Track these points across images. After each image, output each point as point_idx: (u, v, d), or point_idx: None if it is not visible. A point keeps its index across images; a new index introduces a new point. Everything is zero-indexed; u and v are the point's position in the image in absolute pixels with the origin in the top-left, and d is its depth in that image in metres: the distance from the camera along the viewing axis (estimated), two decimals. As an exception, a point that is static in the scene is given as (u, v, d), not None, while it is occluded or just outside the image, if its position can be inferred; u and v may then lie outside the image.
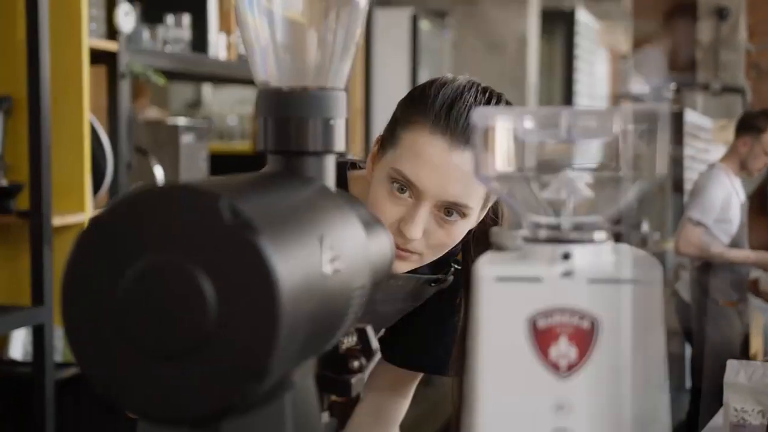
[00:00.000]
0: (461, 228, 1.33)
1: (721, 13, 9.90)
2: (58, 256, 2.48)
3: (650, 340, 0.68)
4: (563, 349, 0.68)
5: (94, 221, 0.64)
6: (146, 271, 0.62)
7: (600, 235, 0.71)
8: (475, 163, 0.71)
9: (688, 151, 7.24)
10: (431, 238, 1.32)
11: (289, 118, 0.80)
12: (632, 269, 0.69)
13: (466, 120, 1.28)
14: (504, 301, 0.69)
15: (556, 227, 0.72)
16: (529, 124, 0.71)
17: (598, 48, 8.92)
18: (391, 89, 5.40)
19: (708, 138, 7.98)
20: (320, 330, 0.70)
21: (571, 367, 0.68)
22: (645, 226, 7.02)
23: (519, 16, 6.04)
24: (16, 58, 2.51)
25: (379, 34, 5.26)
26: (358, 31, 0.84)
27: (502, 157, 0.72)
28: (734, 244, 4.48)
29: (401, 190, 1.30)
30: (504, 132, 0.71)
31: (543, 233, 0.72)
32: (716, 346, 4.33)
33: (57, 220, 2.48)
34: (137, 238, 0.63)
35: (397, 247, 1.30)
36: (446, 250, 1.36)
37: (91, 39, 2.64)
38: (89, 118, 2.60)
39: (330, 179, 0.82)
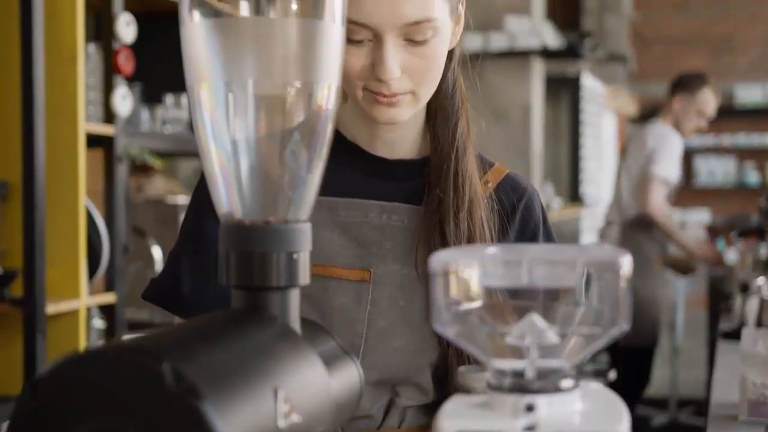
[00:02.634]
0: (438, 46, 1.21)
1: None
2: (52, 345, 2.46)
3: (618, 498, 0.65)
4: None
5: (34, 384, 0.61)
6: (87, 438, 0.60)
7: (567, 383, 0.69)
8: (433, 308, 0.69)
9: (582, 116, 7.30)
10: (413, 70, 1.20)
11: (251, 252, 0.78)
12: (599, 421, 0.66)
13: None
14: (465, 456, 0.66)
15: (520, 374, 0.69)
16: (490, 268, 0.69)
17: (605, 111, 8.94)
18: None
19: (601, 102, 8.04)
20: (275, 486, 0.67)
21: None
22: (550, 187, 6.97)
23: (523, 84, 6.05)
24: (12, 143, 2.51)
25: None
26: (322, 158, 0.82)
27: (462, 301, 0.70)
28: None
29: (357, 41, 1.18)
30: (464, 276, 0.69)
31: (507, 381, 0.69)
32: (642, 303, 4.17)
33: (51, 308, 2.46)
34: (77, 403, 0.60)
35: (385, 96, 1.20)
36: (438, 78, 1.24)
37: (88, 123, 2.64)
38: (85, 203, 2.59)
39: (294, 314, 0.79)
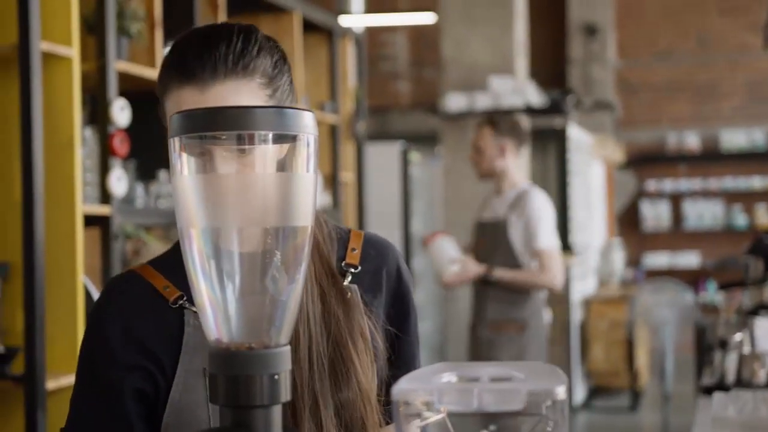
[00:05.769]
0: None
1: (590, 30, 10.13)
2: (53, 419, 2.55)
3: None
4: None
5: None
6: None
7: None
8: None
9: (570, 166, 7.39)
10: None
11: (237, 376, 0.88)
12: None
13: (210, 51, 1.21)
14: None
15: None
16: (445, 396, 0.79)
17: (593, 159, 9.08)
18: (386, 221, 5.54)
19: (588, 151, 8.15)
20: None
21: None
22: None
23: (509, 140, 6.15)
24: (12, 226, 2.62)
25: (371, 167, 5.41)
26: (299, 287, 0.92)
27: (421, 423, 0.80)
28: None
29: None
30: (422, 403, 0.80)
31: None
32: None
33: (51, 383, 2.56)
34: None
35: None
36: None
37: (85, 205, 2.75)
38: (83, 281, 2.69)
39: (276, 428, 0.90)
